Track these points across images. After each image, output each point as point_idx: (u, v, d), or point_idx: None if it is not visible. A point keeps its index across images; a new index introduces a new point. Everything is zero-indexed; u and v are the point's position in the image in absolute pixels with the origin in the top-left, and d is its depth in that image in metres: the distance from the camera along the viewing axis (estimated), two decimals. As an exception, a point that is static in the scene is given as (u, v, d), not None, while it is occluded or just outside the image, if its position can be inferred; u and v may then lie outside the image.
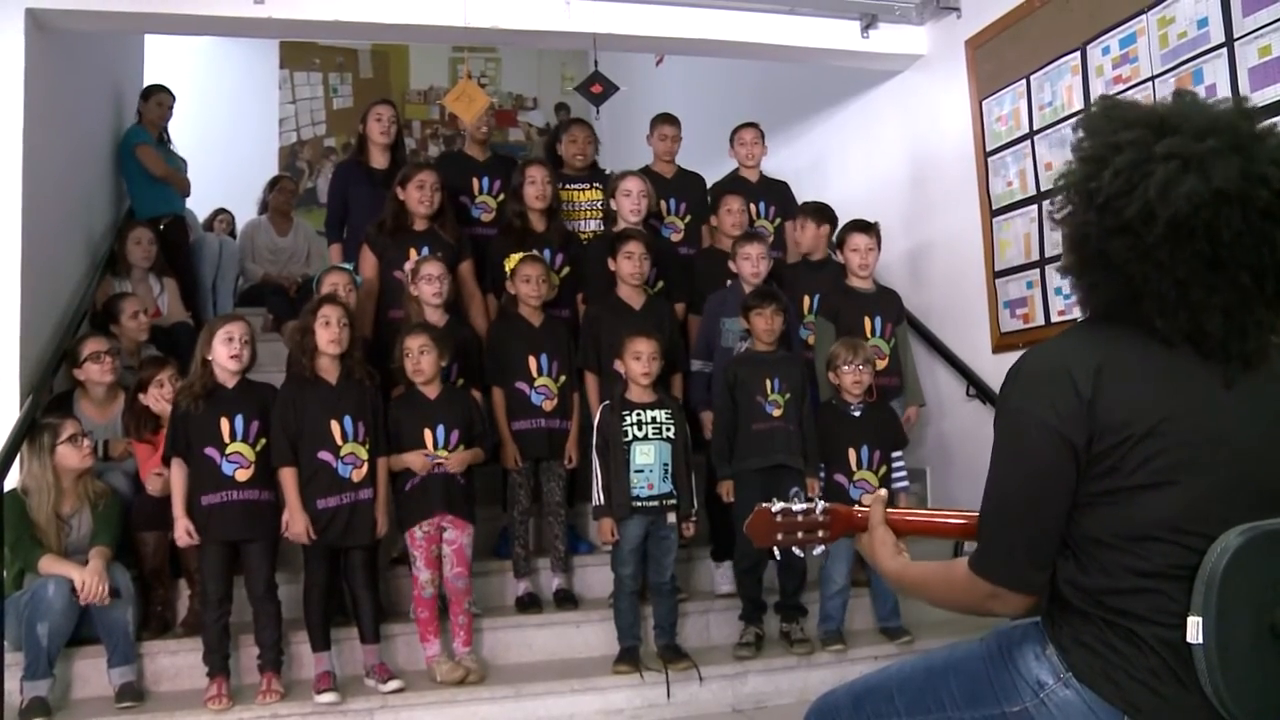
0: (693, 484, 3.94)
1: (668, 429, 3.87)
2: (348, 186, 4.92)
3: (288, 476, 3.61)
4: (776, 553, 1.87)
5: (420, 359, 3.82)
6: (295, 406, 3.66)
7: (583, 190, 5.08)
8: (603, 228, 4.96)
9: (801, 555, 1.86)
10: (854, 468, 4.03)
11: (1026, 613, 1.52)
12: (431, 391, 3.88)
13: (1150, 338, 1.43)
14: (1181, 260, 1.37)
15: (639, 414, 3.86)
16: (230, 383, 3.68)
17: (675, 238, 5.05)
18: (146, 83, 6.13)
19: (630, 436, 3.83)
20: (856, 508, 1.80)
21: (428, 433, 3.81)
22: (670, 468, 3.85)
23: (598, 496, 3.84)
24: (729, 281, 4.62)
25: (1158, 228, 1.36)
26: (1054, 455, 1.41)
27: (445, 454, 3.79)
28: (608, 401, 3.95)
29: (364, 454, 3.70)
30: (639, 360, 3.86)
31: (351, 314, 3.86)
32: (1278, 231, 1.36)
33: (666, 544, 3.86)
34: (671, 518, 3.84)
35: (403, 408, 3.88)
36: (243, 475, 3.59)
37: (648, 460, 3.82)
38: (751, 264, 4.41)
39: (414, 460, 3.76)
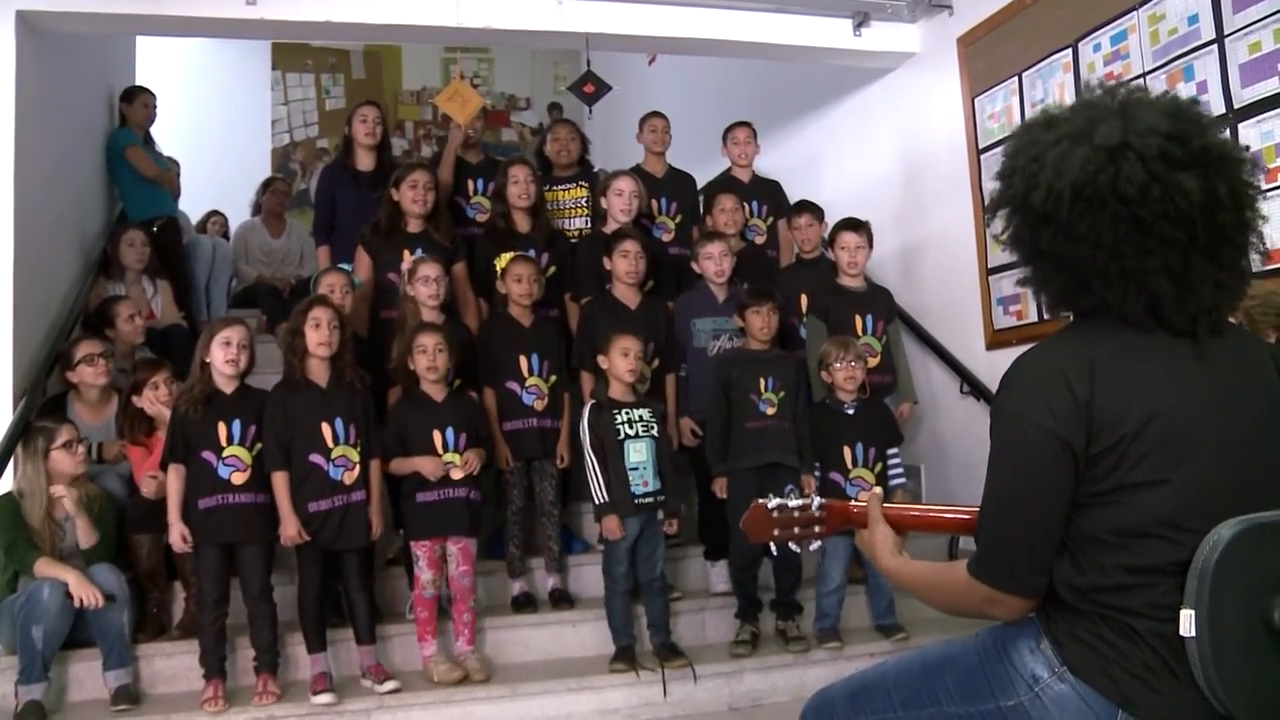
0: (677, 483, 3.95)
1: (653, 427, 3.88)
2: (334, 188, 4.92)
3: (279, 481, 3.60)
4: (773, 548, 1.87)
5: (436, 358, 3.82)
6: (286, 409, 3.66)
7: (567, 189, 5.08)
8: (589, 226, 4.96)
9: (798, 551, 1.86)
10: (850, 465, 4.03)
11: (1025, 616, 1.52)
12: (438, 393, 3.88)
13: (1131, 330, 1.44)
14: (1104, 228, 1.39)
15: (627, 412, 3.87)
16: (228, 388, 3.67)
17: (666, 238, 5.04)
18: (139, 84, 6.11)
19: (622, 435, 3.83)
20: (853, 503, 1.80)
21: (436, 434, 3.79)
22: (659, 465, 3.86)
23: (600, 495, 3.80)
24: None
25: (1065, 203, 1.41)
26: (1052, 459, 1.41)
27: (456, 457, 3.78)
28: (593, 401, 3.95)
29: (355, 456, 3.69)
30: (626, 357, 3.86)
31: (343, 316, 3.85)
32: (1182, 176, 1.37)
33: (655, 540, 3.86)
34: (660, 513, 3.85)
35: (409, 409, 3.87)
36: (239, 478, 3.59)
37: (641, 458, 3.83)
38: (714, 263, 4.43)
39: (425, 464, 3.75)
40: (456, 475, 3.76)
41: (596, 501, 3.82)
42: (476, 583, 3.90)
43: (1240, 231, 1.43)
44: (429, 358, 3.82)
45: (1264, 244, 1.48)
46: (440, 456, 3.77)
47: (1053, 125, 1.48)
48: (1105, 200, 1.38)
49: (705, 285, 4.51)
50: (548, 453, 4.21)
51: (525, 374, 4.20)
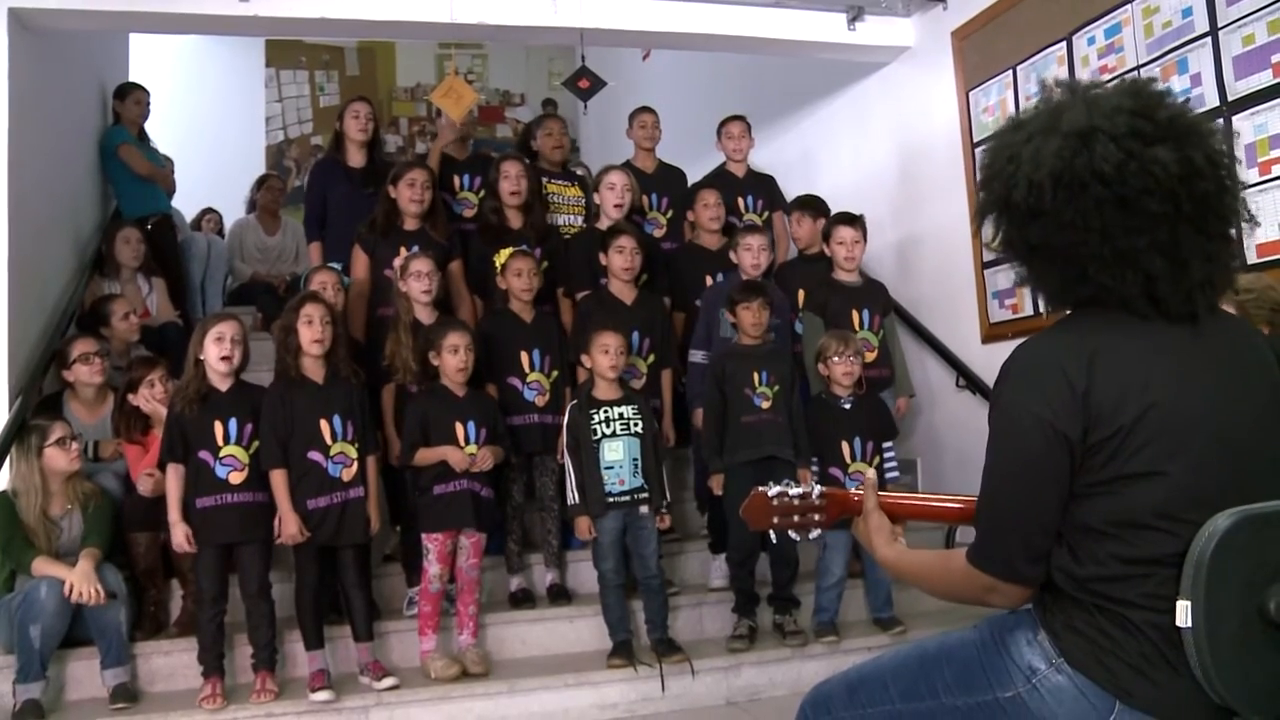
0: (664, 477, 3.95)
1: (635, 424, 3.87)
2: (326, 185, 4.91)
3: (278, 478, 3.59)
4: (773, 536, 1.88)
5: (468, 356, 3.83)
6: (284, 407, 3.65)
7: (565, 186, 5.08)
8: (583, 223, 4.96)
9: (797, 539, 1.87)
10: (848, 460, 4.04)
11: (1024, 604, 1.53)
12: (460, 389, 3.88)
13: (1130, 321, 1.45)
14: (1090, 212, 1.40)
15: (606, 411, 3.86)
16: (223, 385, 3.66)
17: (657, 233, 5.04)
18: (132, 81, 6.09)
19: (599, 435, 3.83)
20: (853, 491, 1.82)
21: (459, 427, 3.80)
22: (640, 462, 3.85)
23: (573, 495, 3.84)
24: (708, 276, 4.65)
25: (1048, 194, 1.42)
26: (1048, 449, 1.42)
27: (475, 450, 3.78)
28: (574, 401, 3.95)
29: (353, 453, 3.69)
30: (607, 354, 3.86)
31: (335, 312, 3.85)
32: (1156, 149, 1.38)
33: (645, 535, 3.85)
34: (644, 509, 3.84)
35: (431, 403, 3.87)
36: (236, 478, 3.58)
37: (617, 456, 3.82)
38: (752, 255, 4.43)
39: (451, 454, 3.75)
40: (475, 468, 3.76)
41: (569, 502, 3.85)
42: (482, 577, 3.90)
43: (1221, 199, 1.43)
44: (460, 358, 3.82)
45: (1249, 212, 1.49)
46: (463, 449, 3.78)
47: (1020, 126, 1.50)
48: (1086, 183, 1.39)
49: (738, 277, 4.49)
50: (549, 448, 4.20)
51: (527, 369, 4.19)
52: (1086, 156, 1.39)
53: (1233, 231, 1.48)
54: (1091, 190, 1.39)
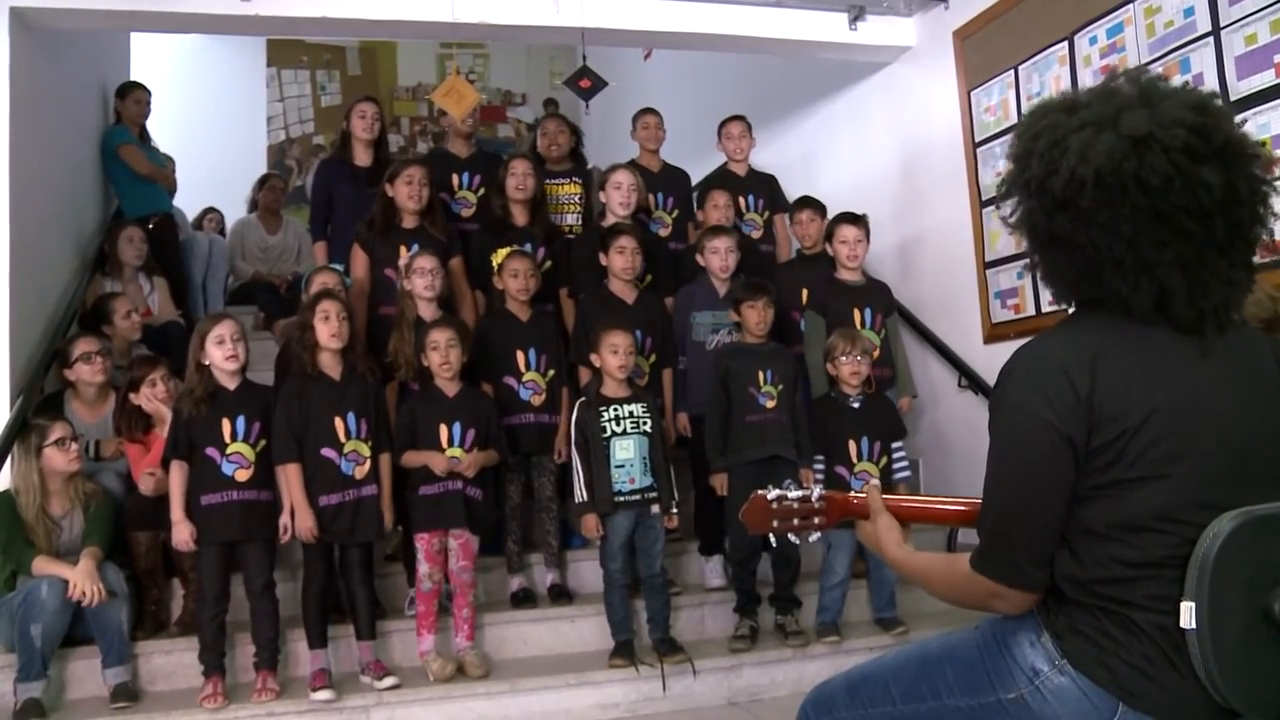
0: (672, 476, 3.94)
1: (645, 423, 3.86)
2: (331, 184, 4.91)
3: (292, 473, 3.59)
4: (772, 540, 1.87)
5: (449, 353, 3.82)
6: (300, 403, 3.64)
7: (562, 184, 5.07)
8: (581, 222, 4.95)
9: (797, 543, 1.87)
10: (854, 460, 4.03)
11: (1027, 610, 1.52)
12: (451, 389, 3.87)
13: (1133, 324, 1.44)
14: (1123, 218, 1.38)
15: (616, 409, 3.85)
16: (231, 384, 3.66)
17: (663, 233, 5.04)
18: (133, 80, 6.09)
19: (609, 432, 3.82)
20: (853, 494, 1.81)
21: (443, 429, 3.79)
22: (650, 461, 3.85)
23: (580, 493, 3.82)
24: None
25: (1088, 191, 1.39)
26: (1052, 452, 1.41)
27: (461, 454, 3.78)
28: (583, 398, 3.94)
29: (366, 450, 3.69)
30: (616, 354, 3.85)
31: (350, 308, 3.85)
32: (1206, 170, 1.36)
33: (653, 535, 3.85)
34: (655, 509, 3.84)
35: (420, 404, 3.87)
36: (242, 475, 3.58)
37: (628, 455, 3.82)
38: (720, 258, 4.42)
39: (433, 459, 3.74)
40: (458, 471, 3.75)
41: (576, 500, 3.84)
42: (476, 578, 3.89)
43: (1253, 228, 1.42)
44: (441, 354, 3.81)
45: (1272, 239, 1.48)
46: (445, 451, 3.77)
47: (1075, 110, 1.45)
48: (1127, 189, 1.37)
49: (707, 279, 4.50)
50: (546, 448, 4.20)
51: (522, 369, 4.19)
52: (1135, 163, 1.36)
53: (1252, 259, 1.46)
54: (1131, 196, 1.37)
